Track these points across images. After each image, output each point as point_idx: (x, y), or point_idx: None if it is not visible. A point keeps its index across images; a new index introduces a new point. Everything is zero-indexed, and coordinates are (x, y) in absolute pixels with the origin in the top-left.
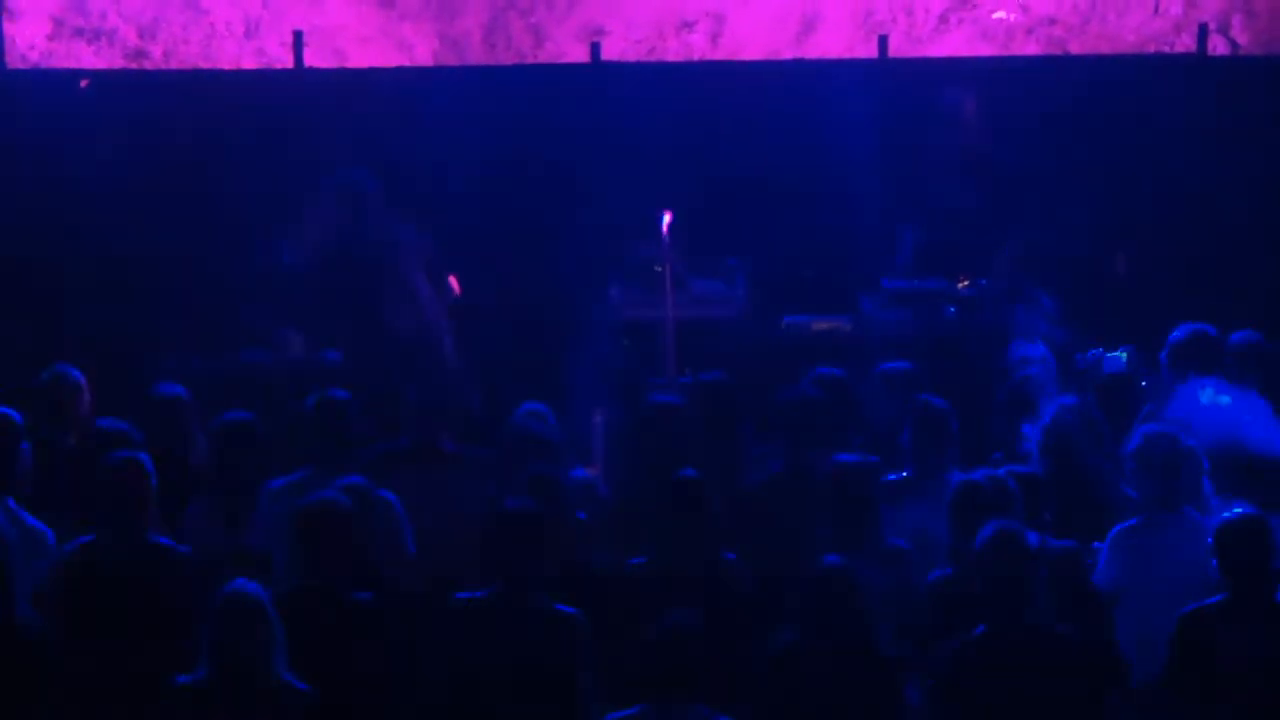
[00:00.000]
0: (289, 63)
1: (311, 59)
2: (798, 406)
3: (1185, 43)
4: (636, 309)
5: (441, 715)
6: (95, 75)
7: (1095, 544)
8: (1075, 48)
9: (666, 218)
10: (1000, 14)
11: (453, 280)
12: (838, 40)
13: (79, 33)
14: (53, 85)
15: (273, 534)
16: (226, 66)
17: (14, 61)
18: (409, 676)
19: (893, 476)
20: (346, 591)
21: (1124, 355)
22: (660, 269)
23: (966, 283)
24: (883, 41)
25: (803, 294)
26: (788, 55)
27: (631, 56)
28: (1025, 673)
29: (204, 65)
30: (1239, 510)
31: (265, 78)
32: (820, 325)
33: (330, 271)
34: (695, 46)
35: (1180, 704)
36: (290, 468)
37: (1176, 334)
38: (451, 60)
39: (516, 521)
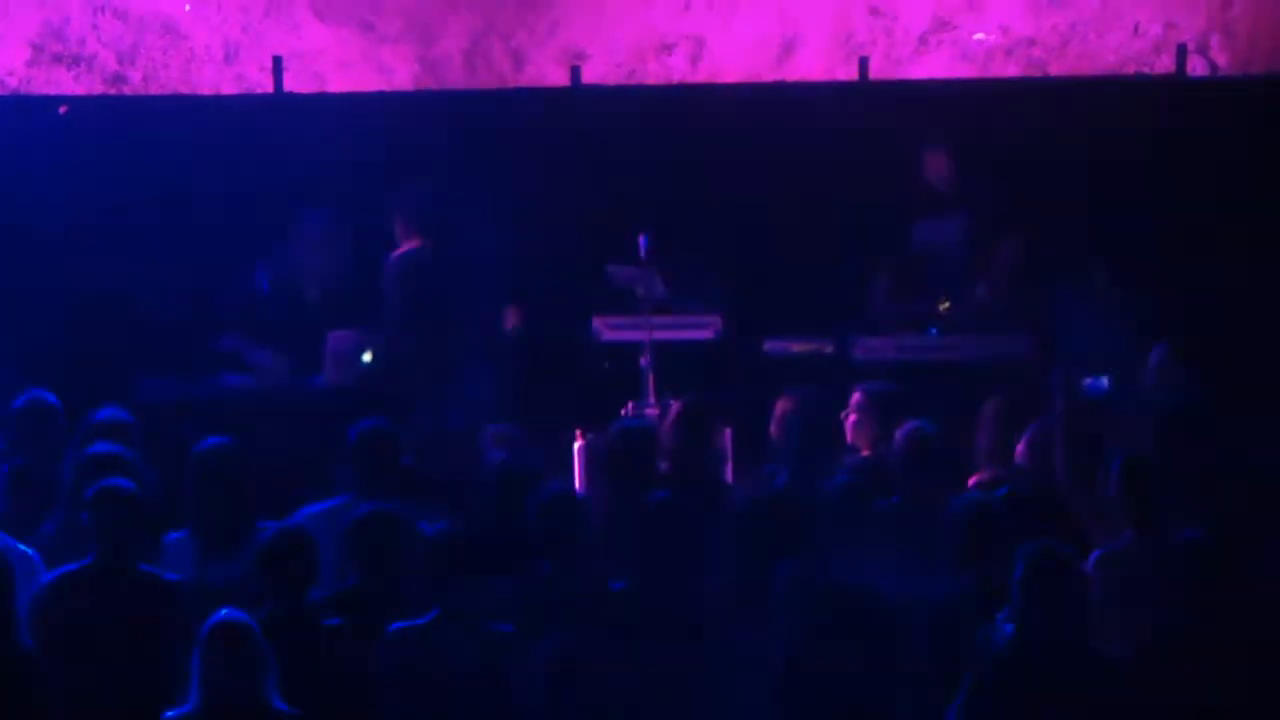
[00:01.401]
0: (269, 88)
1: (291, 84)
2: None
3: (1164, 63)
4: (616, 332)
5: None
6: (74, 101)
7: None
8: (1055, 69)
9: (646, 240)
10: (980, 36)
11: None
12: (818, 62)
13: (58, 58)
14: (31, 111)
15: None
16: (206, 92)
17: None
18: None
19: (883, 503)
20: (318, 617)
21: (1105, 380)
22: (640, 292)
23: (948, 305)
24: (863, 63)
25: (784, 317)
26: (768, 78)
27: (612, 79)
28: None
29: (183, 90)
30: (1188, 533)
31: (245, 103)
32: (801, 348)
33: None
34: (675, 69)
35: None
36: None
37: (1156, 354)
38: (432, 84)
39: (455, 545)
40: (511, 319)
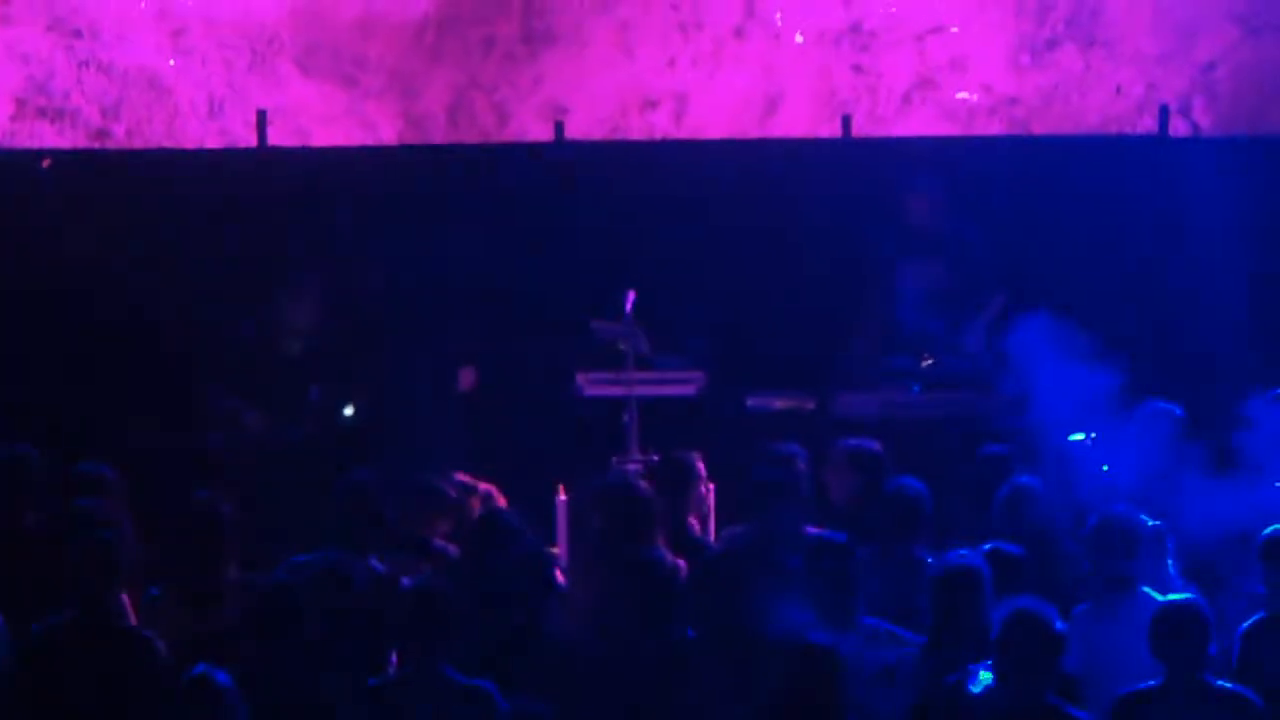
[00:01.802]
0: (253, 142)
1: (275, 138)
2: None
3: (1147, 124)
4: (599, 387)
5: None
6: (58, 155)
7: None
8: (1038, 128)
9: (630, 296)
10: (963, 94)
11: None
12: (801, 120)
13: (42, 113)
14: (15, 165)
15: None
16: (190, 146)
17: None
18: None
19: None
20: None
21: (1087, 440)
22: (624, 348)
23: (931, 361)
24: (846, 121)
25: (766, 373)
26: (751, 134)
27: (595, 135)
28: None
29: (168, 145)
30: (1174, 596)
31: (229, 157)
32: (783, 404)
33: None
34: (658, 125)
35: None
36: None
37: (1141, 412)
38: (415, 139)
39: (425, 601)
40: (466, 380)
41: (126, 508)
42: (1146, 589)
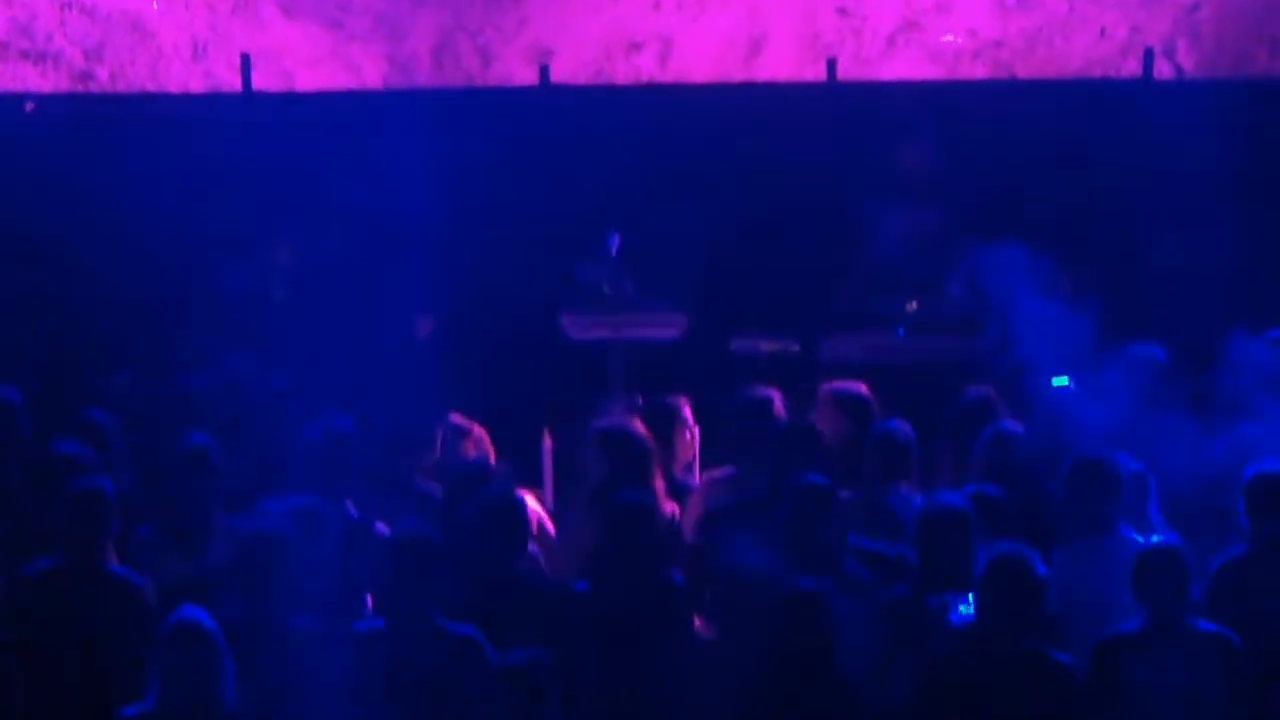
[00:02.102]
0: (237, 85)
1: (259, 81)
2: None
3: (1131, 67)
4: (584, 331)
5: None
6: (41, 98)
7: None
8: (1022, 71)
9: (614, 239)
10: (948, 37)
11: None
12: (786, 63)
13: (24, 55)
14: None
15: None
16: (174, 89)
17: None
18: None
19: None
20: (285, 618)
21: (1069, 384)
22: (608, 291)
23: (915, 305)
24: (831, 64)
25: (751, 316)
26: (736, 78)
27: (580, 78)
28: (1022, 697)
29: (151, 88)
30: (1156, 539)
31: (213, 100)
32: (768, 347)
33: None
34: (643, 68)
35: None
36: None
37: (1124, 355)
38: (400, 82)
39: (411, 547)
40: (424, 328)
41: (124, 452)
42: (1126, 530)
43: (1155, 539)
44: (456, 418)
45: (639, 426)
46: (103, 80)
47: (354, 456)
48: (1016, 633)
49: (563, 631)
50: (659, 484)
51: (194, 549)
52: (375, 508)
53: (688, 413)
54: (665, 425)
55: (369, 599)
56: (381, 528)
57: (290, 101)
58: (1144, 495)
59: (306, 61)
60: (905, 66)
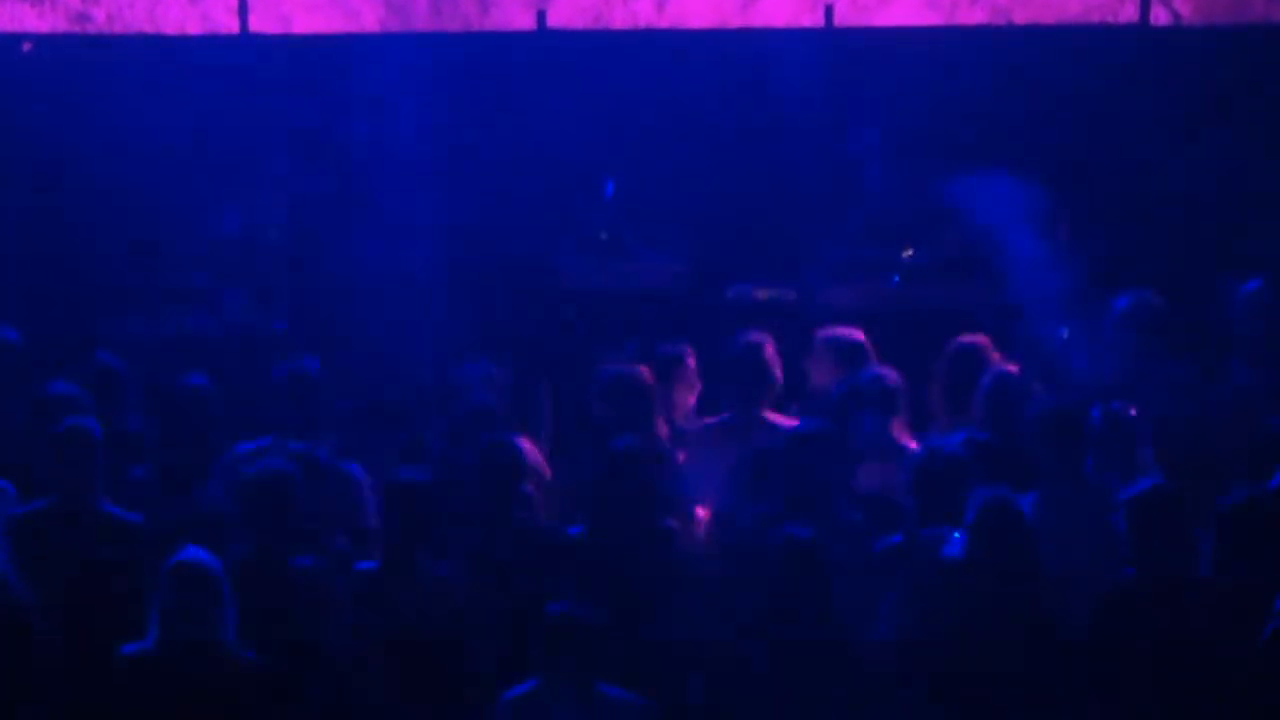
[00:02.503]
0: (235, 28)
1: (257, 24)
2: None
3: (1129, 13)
4: (581, 277)
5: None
6: (38, 39)
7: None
8: (1019, 17)
9: (610, 186)
10: None
11: None
12: (783, 9)
13: None
14: None
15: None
16: (171, 31)
17: None
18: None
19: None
20: (287, 559)
21: (1064, 331)
22: (605, 237)
23: (911, 252)
24: (828, 10)
25: (748, 263)
26: (733, 24)
27: (577, 24)
28: (1006, 643)
29: (148, 30)
30: (1147, 482)
31: (210, 43)
32: (764, 294)
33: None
34: (641, 14)
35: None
36: (253, 433)
37: (1120, 301)
38: (397, 27)
39: (407, 492)
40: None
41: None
42: (1096, 477)
43: (1145, 482)
44: (471, 361)
45: (643, 373)
46: (100, 21)
47: (321, 397)
48: (1004, 575)
49: (558, 575)
50: (662, 430)
51: (190, 489)
52: (359, 449)
53: (691, 361)
54: (669, 372)
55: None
56: (354, 468)
57: (287, 44)
58: (1137, 441)
59: (304, 5)
60: (902, 13)
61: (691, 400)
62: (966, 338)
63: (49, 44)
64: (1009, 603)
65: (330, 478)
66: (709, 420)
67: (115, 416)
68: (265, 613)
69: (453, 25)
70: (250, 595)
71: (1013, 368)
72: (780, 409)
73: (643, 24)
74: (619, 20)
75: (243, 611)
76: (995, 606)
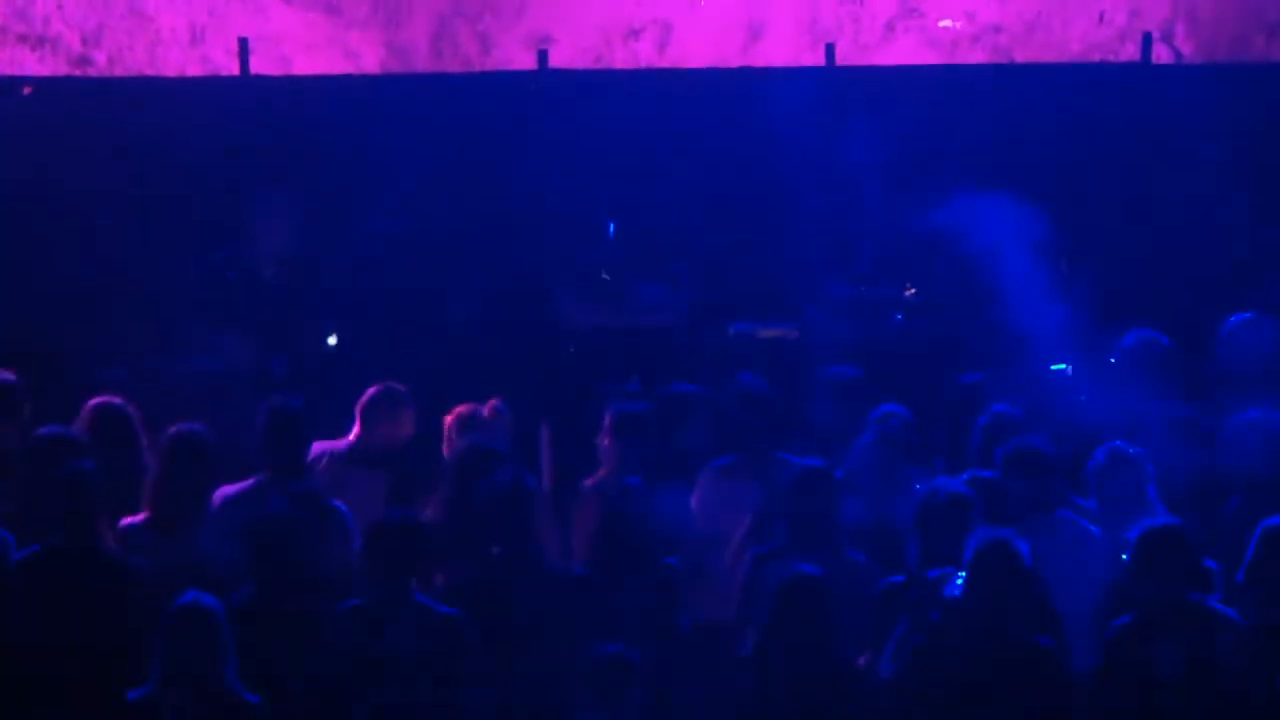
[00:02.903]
0: (235, 70)
1: (257, 66)
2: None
3: (1130, 51)
4: (583, 316)
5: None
6: (38, 82)
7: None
8: (1021, 56)
9: (612, 225)
10: (946, 22)
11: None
12: (784, 48)
13: (22, 39)
14: None
15: (222, 542)
16: (172, 74)
17: None
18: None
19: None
20: (293, 601)
21: (1067, 369)
22: (607, 276)
23: (913, 291)
24: (829, 50)
25: (749, 301)
26: (734, 63)
27: (579, 64)
28: (1005, 683)
29: (149, 72)
30: (1158, 519)
31: (211, 85)
32: (767, 333)
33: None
34: (642, 54)
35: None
36: (241, 475)
37: (1125, 340)
38: (398, 68)
39: (395, 530)
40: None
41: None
42: (1065, 513)
43: (1155, 519)
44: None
45: (648, 411)
46: (100, 64)
47: (304, 436)
48: (1002, 615)
49: (564, 615)
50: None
51: (183, 535)
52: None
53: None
54: (680, 414)
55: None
56: (339, 504)
57: (288, 87)
58: (1144, 479)
59: (304, 47)
60: (904, 52)
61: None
62: (968, 376)
63: (50, 87)
64: (1009, 644)
65: (327, 516)
66: (721, 460)
67: (111, 460)
68: (268, 654)
69: (454, 66)
70: (253, 637)
71: (1013, 406)
72: (784, 447)
73: (644, 64)
74: (620, 60)
75: (247, 653)
76: (995, 648)
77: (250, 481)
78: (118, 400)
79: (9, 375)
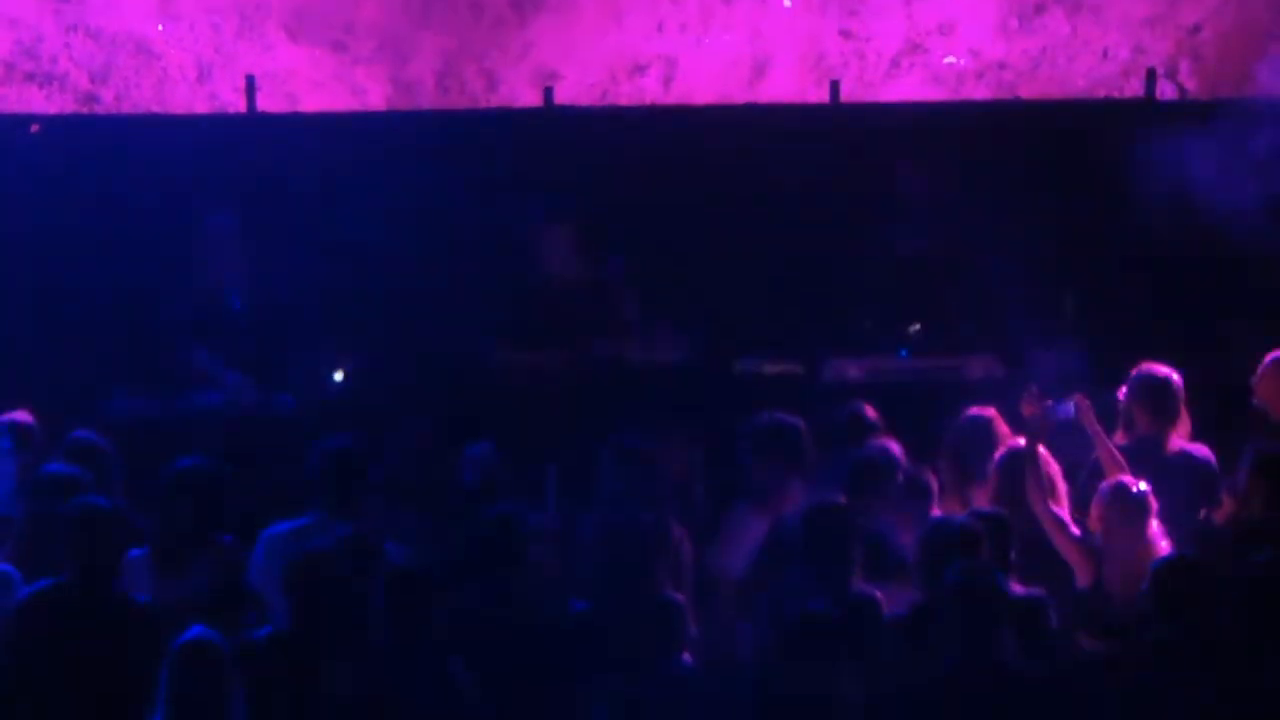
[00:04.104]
0: (242, 107)
1: (264, 103)
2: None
3: (1134, 87)
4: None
5: None
6: (46, 120)
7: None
8: (1025, 92)
9: (618, 262)
10: (951, 59)
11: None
12: (789, 85)
13: (30, 77)
14: (3, 130)
15: (271, 579)
16: (179, 111)
17: None
18: None
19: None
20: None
21: (1072, 404)
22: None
23: (918, 327)
24: (834, 86)
25: (755, 338)
26: (740, 99)
27: (584, 100)
28: (988, 711)
29: (156, 110)
30: (1172, 553)
31: (218, 122)
32: (773, 369)
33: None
34: (648, 90)
35: None
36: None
37: (1132, 376)
38: (404, 105)
39: (404, 581)
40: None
41: (121, 473)
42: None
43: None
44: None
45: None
46: (108, 102)
47: (363, 475)
48: (981, 651)
49: (562, 651)
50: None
51: (186, 572)
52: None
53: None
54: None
55: None
56: (391, 548)
57: (294, 124)
58: (1147, 514)
59: (311, 84)
60: (909, 88)
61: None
62: (975, 410)
63: (57, 125)
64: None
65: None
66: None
67: (113, 497)
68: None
69: (459, 103)
70: (295, 675)
71: (1023, 442)
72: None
73: (649, 100)
74: (626, 96)
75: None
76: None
77: (303, 520)
78: (91, 434)
79: (27, 417)
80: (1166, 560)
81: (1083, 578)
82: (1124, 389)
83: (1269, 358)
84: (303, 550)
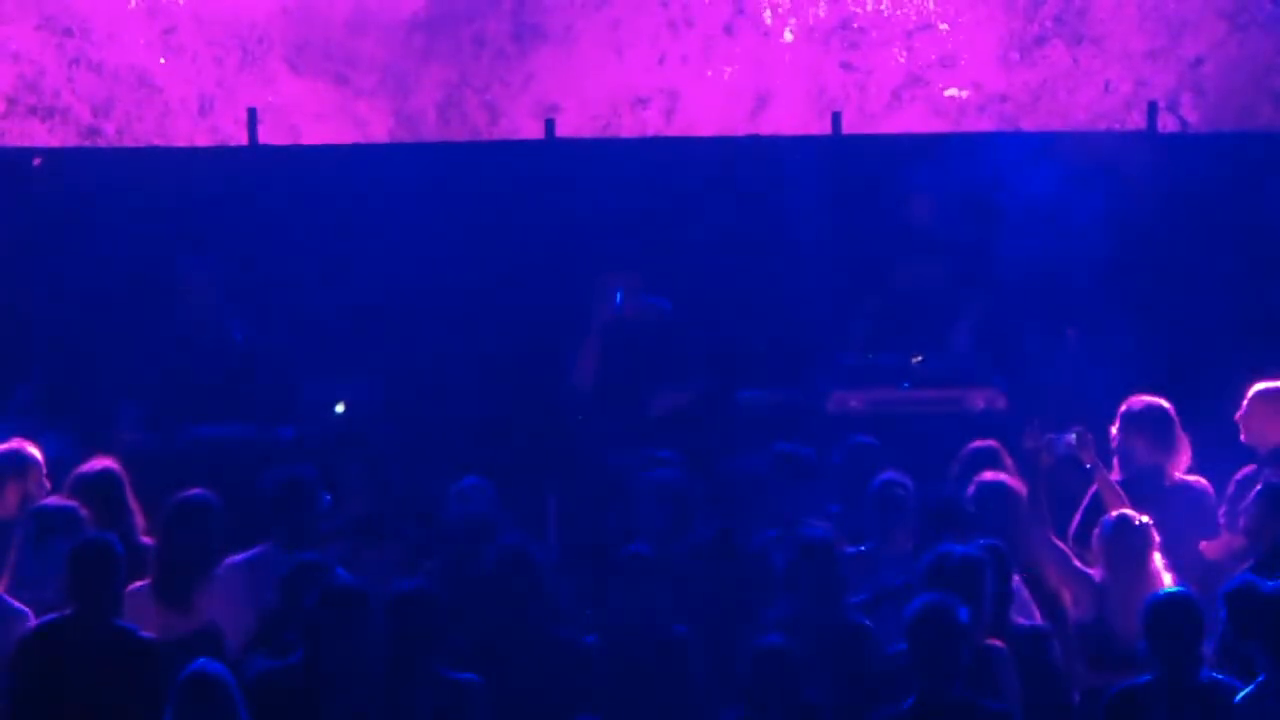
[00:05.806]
0: (243, 140)
1: (266, 136)
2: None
3: (1135, 120)
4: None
5: None
6: (49, 153)
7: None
8: (1027, 124)
9: (620, 294)
10: (952, 91)
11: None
12: (791, 117)
13: (32, 110)
14: (6, 163)
15: (229, 609)
16: (181, 144)
17: None
18: None
19: (852, 550)
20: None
21: (1073, 436)
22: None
23: (920, 358)
24: (836, 118)
25: (757, 369)
26: (741, 131)
27: (586, 133)
28: None
29: (158, 143)
30: (1170, 589)
31: (220, 155)
32: (774, 400)
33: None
34: (649, 123)
35: None
36: (247, 543)
37: (1129, 406)
38: (406, 137)
39: (410, 603)
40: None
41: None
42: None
43: (1166, 590)
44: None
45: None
46: (110, 135)
47: (313, 505)
48: (946, 681)
49: (572, 684)
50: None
51: (187, 603)
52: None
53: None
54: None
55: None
56: (342, 574)
57: (296, 156)
58: (1150, 547)
59: (313, 117)
60: (910, 120)
61: None
62: (979, 442)
63: (59, 158)
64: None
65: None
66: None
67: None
68: None
69: (461, 135)
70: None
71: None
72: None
73: (651, 132)
74: (628, 128)
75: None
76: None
77: (256, 550)
78: (107, 465)
79: (35, 454)
80: (1159, 597)
81: (1081, 611)
82: (1116, 423)
83: (1251, 392)
84: (319, 583)
